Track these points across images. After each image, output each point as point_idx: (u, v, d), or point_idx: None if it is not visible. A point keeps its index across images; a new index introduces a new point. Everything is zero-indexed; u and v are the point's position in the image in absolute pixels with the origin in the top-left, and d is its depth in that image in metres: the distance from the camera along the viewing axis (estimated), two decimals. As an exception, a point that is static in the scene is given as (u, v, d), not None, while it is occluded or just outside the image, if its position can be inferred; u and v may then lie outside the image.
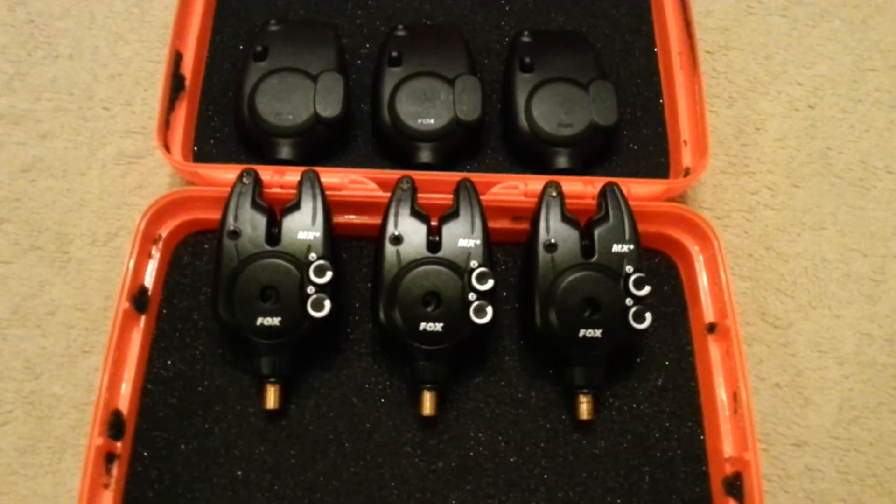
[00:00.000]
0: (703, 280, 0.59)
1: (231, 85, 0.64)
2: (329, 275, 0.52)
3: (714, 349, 0.57)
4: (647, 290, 0.52)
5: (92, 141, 0.65)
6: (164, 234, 0.59)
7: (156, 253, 0.58)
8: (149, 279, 0.57)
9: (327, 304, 0.51)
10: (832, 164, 0.68)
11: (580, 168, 0.61)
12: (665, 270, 0.61)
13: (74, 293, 0.60)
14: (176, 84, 0.62)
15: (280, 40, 0.62)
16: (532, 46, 0.64)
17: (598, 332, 0.52)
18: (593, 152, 0.63)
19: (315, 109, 0.59)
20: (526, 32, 0.65)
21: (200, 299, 0.58)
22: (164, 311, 0.58)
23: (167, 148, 0.59)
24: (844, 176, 0.68)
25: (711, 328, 0.58)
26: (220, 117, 0.64)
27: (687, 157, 0.63)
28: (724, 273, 0.57)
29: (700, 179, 0.66)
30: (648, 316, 0.52)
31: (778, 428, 0.59)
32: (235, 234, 0.53)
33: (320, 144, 0.61)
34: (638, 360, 0.58)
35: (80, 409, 0.57)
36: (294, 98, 0.60)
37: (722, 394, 0.56)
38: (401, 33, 0.64)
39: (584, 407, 0.54)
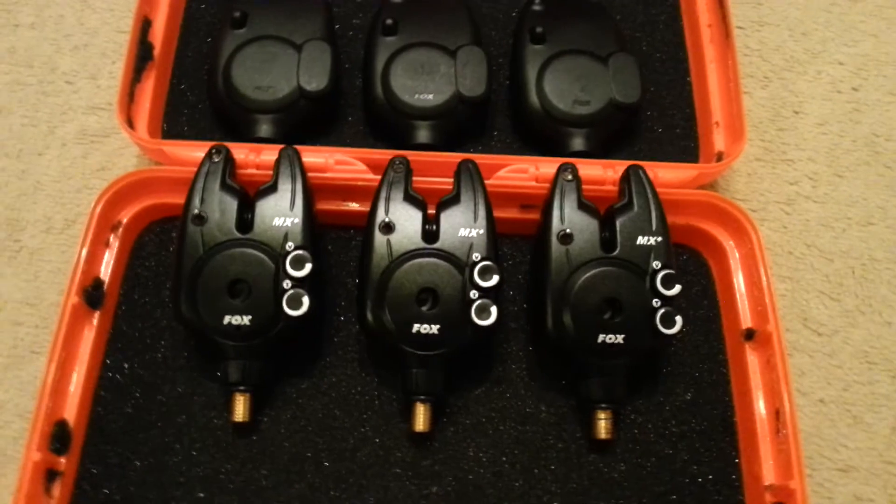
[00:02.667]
0: (738, 280, 0.55)
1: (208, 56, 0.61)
2: (308, 267, 0.48)
3: (752, 359, 0.53)
4: (677, 288, 0.48)
5: (52, 118, 0.62)
6: (124, 221, 0.55)
7: (114, 241, 0.54)
8: (105, 271, 0.53)
9: (305, 300, 0.47)
10: (880, 153, 0.64)
11: (598, 152, 0.57)
12: (695, 269, 0.57)
13: (25, 286, 0.57)
14: (143, 53, 0.59)
15: (261, 6, 0.59)
16: (544, 15, 0.60)
17: (619, 338, 0.48)
18: (613, 134, 0.59)
19: (299, 82, 0.56)
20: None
21: (165, 294, 0.54)
22: (123, 308, 0.53)
23: (130, 123, 0.56)
24: (894, 165, 0.63)
25: (749, 335, 0.53)
26: (195, 92, 0.61)
27: (719, 141, 0.59)
28: (765, 271, 0.53)
29: (733, 167, 0.61)
30: (679, 319, 0.48)
31: (823, 450, 0.54)
32: (201, 220, 0.49)
33: (304, 122, 0.58)
34: (664, 370, 0.53)
35: (25, 417, 0.53)
36: (275, 70, 0.56)
37: (761, 410, 0.51)
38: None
39: (603, 424, 0.50)
